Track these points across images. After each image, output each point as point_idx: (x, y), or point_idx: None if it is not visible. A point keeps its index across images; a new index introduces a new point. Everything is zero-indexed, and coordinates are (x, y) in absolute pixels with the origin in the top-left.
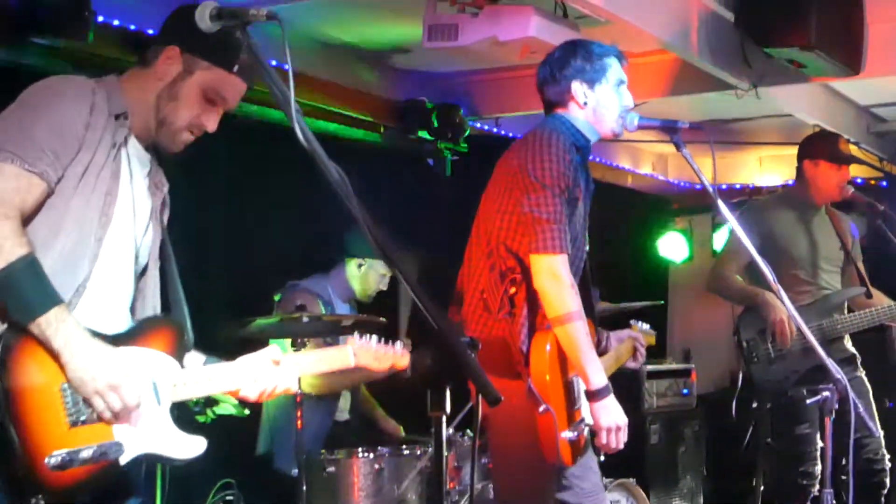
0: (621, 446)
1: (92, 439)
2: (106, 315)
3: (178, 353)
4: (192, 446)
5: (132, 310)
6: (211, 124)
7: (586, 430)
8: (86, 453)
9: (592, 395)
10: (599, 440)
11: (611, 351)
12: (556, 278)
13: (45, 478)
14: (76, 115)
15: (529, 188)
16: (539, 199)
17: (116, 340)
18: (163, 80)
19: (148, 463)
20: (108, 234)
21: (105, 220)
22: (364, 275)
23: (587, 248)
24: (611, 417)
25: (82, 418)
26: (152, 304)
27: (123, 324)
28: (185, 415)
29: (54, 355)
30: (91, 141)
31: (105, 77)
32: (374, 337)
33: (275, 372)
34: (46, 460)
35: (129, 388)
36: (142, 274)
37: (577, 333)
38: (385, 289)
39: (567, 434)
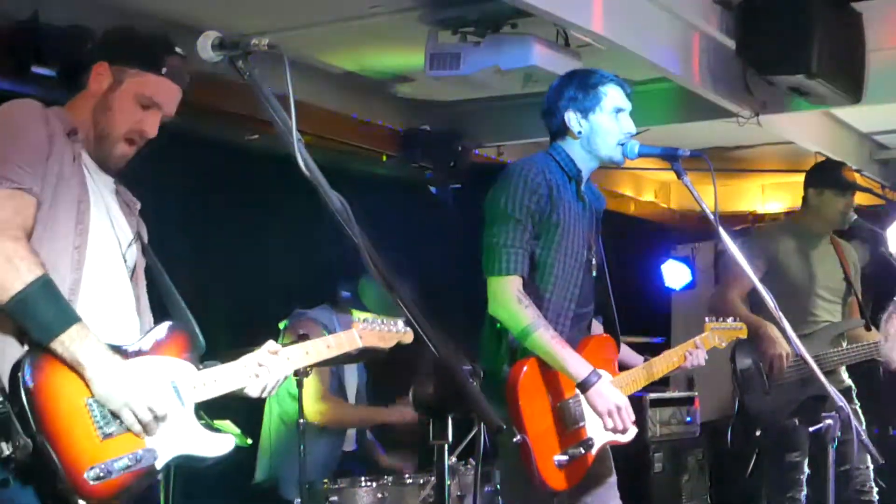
0: (629, 426)
1: (125, 449)
2: (108, 321)
3: (193, 357)
4: (221, 444)
5: (138, 313)
6: (150, 130)
7: (594, 449)
8: (122, 463)
9: (582, 387)
10: (605, 425)
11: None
12: (503, 298)
13: (88, 491)
14: (38, 128)
15: (493, 219)
16: (499, 229)
17: (131, 352)
18: (96, 95)
19: (177, 468)
20: (90, 243)
21: (82, 229)
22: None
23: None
24: (606, 401)
25: (112, 430)
26: (147, 319)
27: (130, 328)
28: None
29: (79, 371)
30: (56, 152)
31: (51, 107)
32: (378, 319)
33: (274, 362)
34: (86, 474)
35: (156, 398)
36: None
37: (542, 341)
38: None
39: (558, 458)
